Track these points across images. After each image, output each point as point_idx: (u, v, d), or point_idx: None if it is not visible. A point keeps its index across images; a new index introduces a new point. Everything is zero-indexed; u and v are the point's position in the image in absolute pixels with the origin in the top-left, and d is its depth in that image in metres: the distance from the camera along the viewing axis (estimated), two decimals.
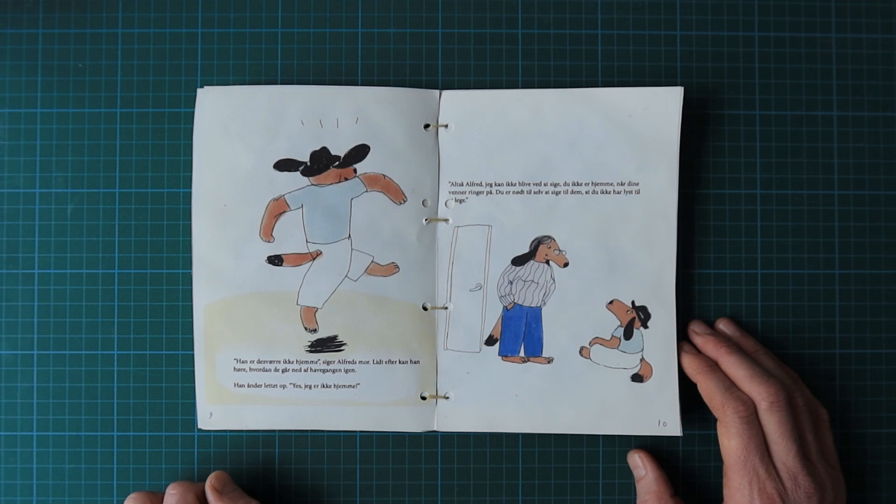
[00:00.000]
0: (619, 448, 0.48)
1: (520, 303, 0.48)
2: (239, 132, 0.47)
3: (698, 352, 0.47)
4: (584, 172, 0.47)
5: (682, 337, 0.48)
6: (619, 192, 0.47)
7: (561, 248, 0.47)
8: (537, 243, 0.48)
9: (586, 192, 0.47)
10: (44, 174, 0.48)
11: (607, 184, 0.47)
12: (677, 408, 0.47)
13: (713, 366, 0.45)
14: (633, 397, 0.47)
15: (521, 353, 0.47)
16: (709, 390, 0.44)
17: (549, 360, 0.47)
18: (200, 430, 0.48)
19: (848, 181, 0.49)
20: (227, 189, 0.47)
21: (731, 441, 0.43)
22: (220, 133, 0.47)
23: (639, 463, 0.47)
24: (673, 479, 0.47)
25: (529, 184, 0.47)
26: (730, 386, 0.44)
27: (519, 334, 0.48)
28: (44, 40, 0.48)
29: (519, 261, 0.48)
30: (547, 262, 0.48)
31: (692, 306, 0.48)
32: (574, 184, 0.47)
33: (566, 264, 0.47)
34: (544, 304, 0.47)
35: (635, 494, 0.47)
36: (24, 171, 0.48)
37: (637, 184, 0.47)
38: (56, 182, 0.48)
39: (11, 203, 0.48)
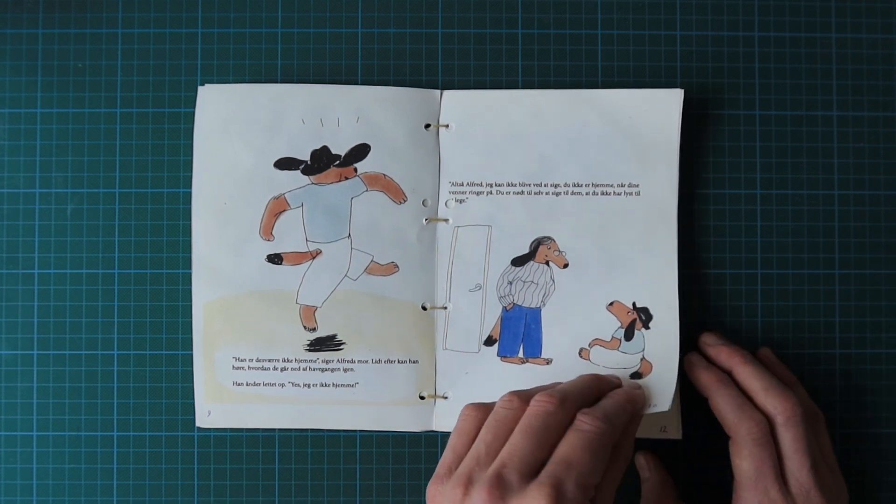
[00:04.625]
0: None
1: (519, 303, 0.48)
2: (239, 131, 0.47)
3: (709, 363, 0.45)
4: (585, 173, 0.47)
5: (682, 338, 0.48)
6: (619, 194, 0.47)
7: (561, 249, 0.47)
8: (537, 244, 0.48)
9: (586, 194, 0.47)
10: (44, 174, 0.48)
11: (607, 185, 0.47)
12: (678, 411, 0.47)
13: (725, 380, 0.44)
14: None
15: (520, 354, 0.47)
16: (720, 408, 0.43)
17: (548, 362, 0.47)
18: (200, 430, 0.48)
19: (848, 181, 0.49)
20: (227, 187, 0.47)
21: (742, 462, 0.42)
22: (220, 131, 0.47)
23: (644, 465, 0.47)
24: (675, 481, 0.47)
25: (530, 184, 0.47)
26: (742, 404, 0.42)
27: (518, 335, 0.47)
28: (44, 40, 0.48)
29: (519, 261, 0.48)
30: (547, 262, 0.47)
31: (692, 306, 0.48)
32: (574, 185, 0.47)
33: (566, 265, 0.47)
34: (544, 304, 0.47)
35: (638, 494, 0.47)
36: (24, 171, 0.48)
37: (637, 185, 0.47)
38: (56, 182, 0.48)
39: (11, 203, 0.48)
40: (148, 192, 0.48)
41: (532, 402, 0.39)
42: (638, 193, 0.47)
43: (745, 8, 0.49)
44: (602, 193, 0.47)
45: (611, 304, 0.47)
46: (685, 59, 0.49)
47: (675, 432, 0.47)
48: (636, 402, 0.42)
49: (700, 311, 0.48)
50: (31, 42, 0.48)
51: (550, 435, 0.38)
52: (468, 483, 0.36)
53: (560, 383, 0.43)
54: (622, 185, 0.47)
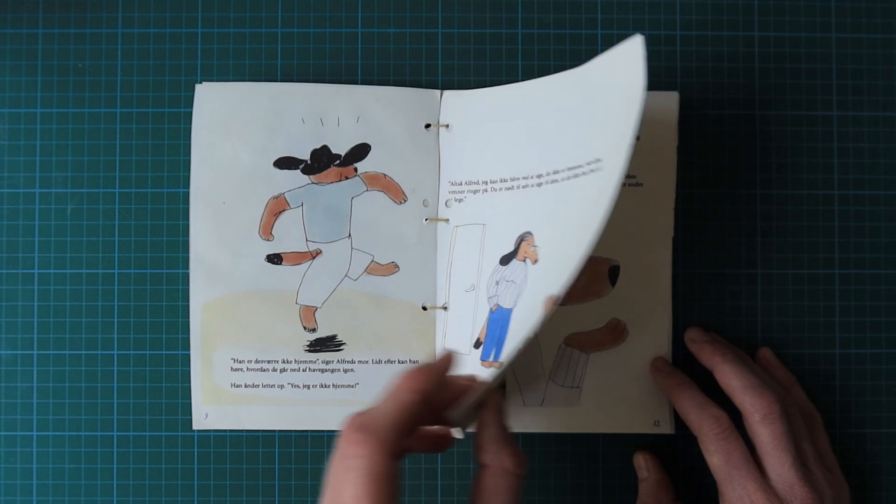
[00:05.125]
0: (619, 448, 0.48)
1: (501, 304, 0.47)
2: (239, 129, 0.47)
3: (672, 367, 0.46)
4: (574, 159, 0.45)
5: (679, 338, 0.48)
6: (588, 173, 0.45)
7: (537, 244, 0.45)
8: (520, 240, 0.47)
9: (563, 179, 0.46)
10: (44, 174, 0.48)
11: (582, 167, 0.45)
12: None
13: (685, 382, 0.45)
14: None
15: (492, 358, 0.45)
16: (682, 409, 0.44)
17: (501, 366, 0.41)
18: (200, 431, 0.48)
19: (848, 181, 0.49)
20: (226, 187, 0.47)
21: (711, 458, 0.42)
22: (219, 130, 0.47)
23: (642, 464, 0.47)
24: (674, 478, 0.47)
25: (518, 178, 0.47)
26: (702, 403, 0.43)
27: (495, 338, 0.45)
28: (44, 40, 0.48)
29: (505, 260, 0.47)
30: (524, 259, 0.47)
31: (692, 306, 0.48)
32: (568, 170, 0.45)
33: (536, 261, 0.44)
34: (515, 305, 0.45)
35: (636, 494, 0.47)
36: (24, 171, 0.48)
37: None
38: (56, 182, 0.48)
39: (11, 203, 0.48)
40: (148, 192, 0.48)
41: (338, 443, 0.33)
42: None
43: (745, 8, 0.49)
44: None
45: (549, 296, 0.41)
46: (685, 59, 0.49)
47: (667, 427, 0.47)
48: (420, 382, 0.34)
49: (700, 312, 0.48)
50: (31, 42, 0.48)
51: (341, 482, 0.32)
52: None
53: None
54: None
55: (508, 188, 0.46)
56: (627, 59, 0.41)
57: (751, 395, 0.42)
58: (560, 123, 0.45)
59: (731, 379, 0.43)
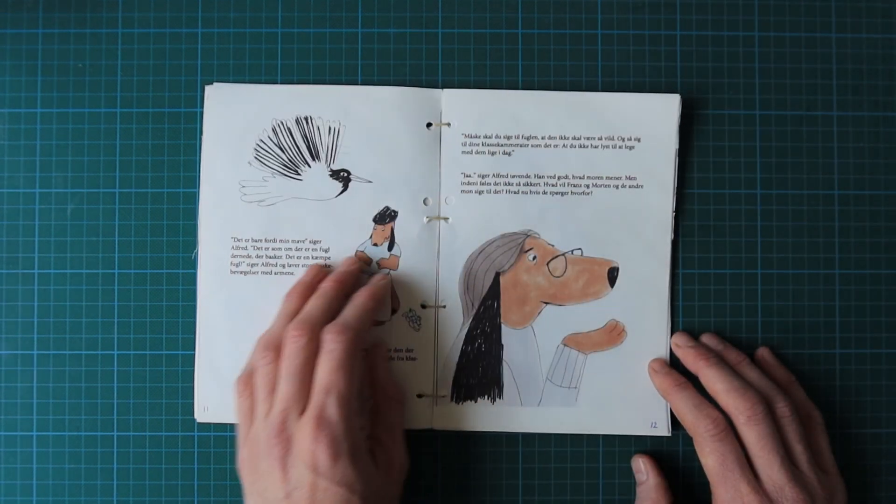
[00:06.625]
0: (619, 448, 0.48)
1: None
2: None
3: (669, 368, 0.47)
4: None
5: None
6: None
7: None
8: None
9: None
10: (44, 174, 0.48)
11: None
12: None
13: (683, 383, 0.45)
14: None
15: None
16: (679, 410, 0.44)
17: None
18: (200, 431, 0.48)
19: (848, 181, 0.49)
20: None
21: (706, 459, 0.43)
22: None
23: (641, 468, 0.47)
24: (672, 481, 0.47)
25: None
26: (699, 404, 0.44)
27: None
28: (44, 40, 0.48)
29: None
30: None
31: (692, 306, 0.48)
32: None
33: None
34: None
35: (635, 495, 0.47)
36: (24, 171, 0.48)
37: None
38: (56, 182, 0.48)
39: (11, 203, 0.48)
40: (148, 192, 0.48)
41: (286, 343, 0.41)
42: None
43: (745, 8, 0.49)
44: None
45: None
46: (685, 60, 0.49)
47: (664, 429, 0.47)
48: (377, 294, 0.45)
49: (700, 311, 0.48)
50: (31, 42, 0.48)
51: (309, 366, 0.41)
52: (260, 440, 0.40)
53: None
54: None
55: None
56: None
57: (733, 396, 0.43)
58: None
59: (715, 382, 0.44)
